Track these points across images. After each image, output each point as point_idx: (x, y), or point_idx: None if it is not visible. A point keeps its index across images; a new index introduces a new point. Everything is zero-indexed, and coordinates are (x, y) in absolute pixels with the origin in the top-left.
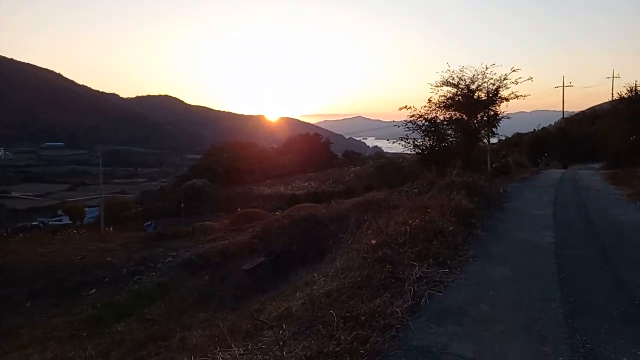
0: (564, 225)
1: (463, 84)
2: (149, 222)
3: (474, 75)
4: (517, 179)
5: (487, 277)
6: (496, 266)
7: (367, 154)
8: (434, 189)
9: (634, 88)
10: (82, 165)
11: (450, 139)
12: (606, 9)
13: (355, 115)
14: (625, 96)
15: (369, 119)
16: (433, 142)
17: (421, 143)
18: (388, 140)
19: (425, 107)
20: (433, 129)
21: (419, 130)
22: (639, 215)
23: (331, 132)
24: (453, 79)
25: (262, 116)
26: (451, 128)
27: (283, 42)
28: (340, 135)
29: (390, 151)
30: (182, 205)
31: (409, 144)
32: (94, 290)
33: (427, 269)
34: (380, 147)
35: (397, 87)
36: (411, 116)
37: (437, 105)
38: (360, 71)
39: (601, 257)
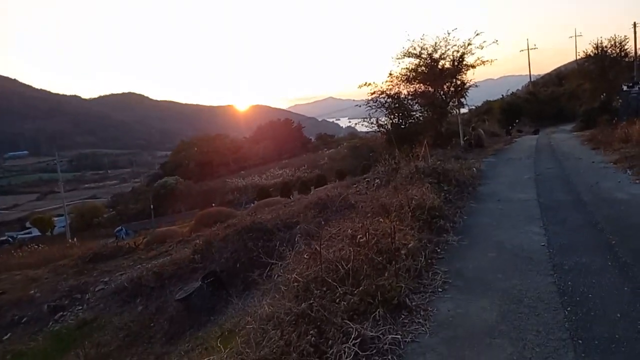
0: (554, 214)
1: (425, 53)
2: (120, 227)
3: (436, 43)
4: (490, 151)
5: (462, 326)
6: (475, 299)
7: (341, 135)
8: (397, 177)
9: (599, 45)
10: (49, 172)
11: (417, 115)
12: None
13: (326, 97)
14: (591, 54)
15: (340, 99)
16: (398, 120)
17: (385, 122)
18: (350, 120)
19: (386, 82)
20: (397, 105)
21: (382, 108)
22: (636, 190)
23: (303, 115)
24: (414, 49)
25: (231, 106)
26: (417, 102)
27: (248, 28)
28: (313, 118)
29: (364, 130)
30: (152, 206)
31: (373, 124)
32: (7, 335)
33: (372, 329)
34: (354, 127)
35: (366, 64)
36: (372, 93)
37: (400, 79)
38: (329, 52)
39: (615, 268)
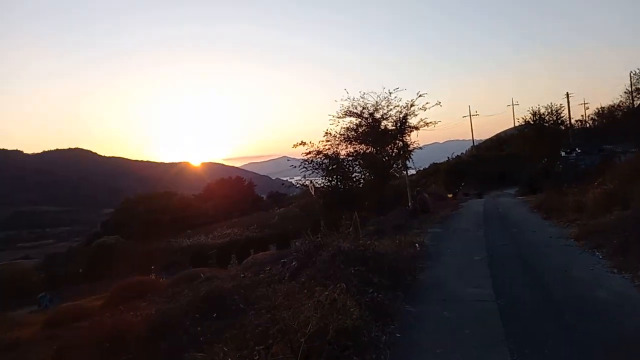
0: (524, 332)
1: (367, 112)
2: (43, 294)
3: (377, 102)
4: (437, 217)
5: None
6: None
7: (294, 194)
8: (317, 262)
9: (537, 112)
10: None
11: (358, 177)
12: (499, 42)
13: (281, 156)
14: (530, 121)
15: (294, 158)
16: (337, 182)
17: (322, 184)
18: (285, 182)
19: (322, 142)
20: (335, 166)
21: (319, 170)
22: (619, 285)
23: (256, 174)
24: (355, 107)
25: (183, 163)
26: (358, 164)
27: (204, 85)
28: (266, 176)
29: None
30: (80, 270)
31: (306, 186)
32: None
33: None
34: (306, 186)
35: (321, 123)
36: (307, 153)
37: (339, 138)
38: (285, 110)
39: None
